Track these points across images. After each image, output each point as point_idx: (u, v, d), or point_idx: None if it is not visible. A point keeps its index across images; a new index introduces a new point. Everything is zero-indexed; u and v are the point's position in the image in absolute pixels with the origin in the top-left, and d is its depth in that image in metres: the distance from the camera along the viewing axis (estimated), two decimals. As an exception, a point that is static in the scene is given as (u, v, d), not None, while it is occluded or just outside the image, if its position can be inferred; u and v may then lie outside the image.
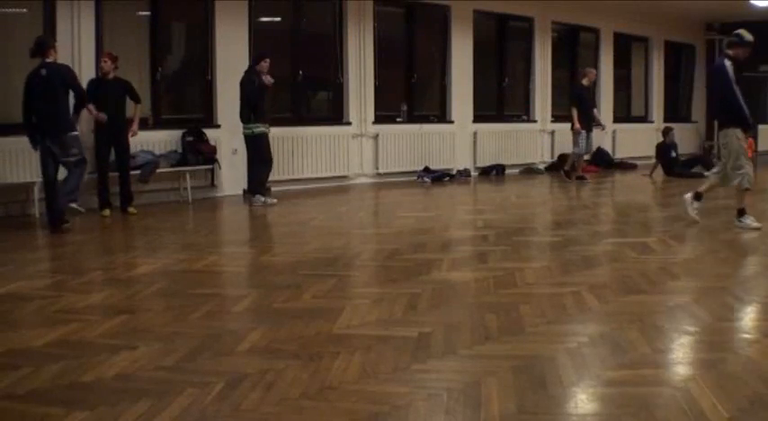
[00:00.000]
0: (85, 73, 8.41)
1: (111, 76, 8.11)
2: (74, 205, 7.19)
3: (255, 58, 9.20)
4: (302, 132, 10.60)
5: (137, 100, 8.33)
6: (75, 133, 7.08)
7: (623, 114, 16.07)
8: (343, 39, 11.25)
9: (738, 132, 6.70)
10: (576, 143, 11.62)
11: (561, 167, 12.38)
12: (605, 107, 14.89)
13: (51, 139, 6.90)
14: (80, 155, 7.06)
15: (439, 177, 11.91)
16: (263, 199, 8.99)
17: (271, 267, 5.55)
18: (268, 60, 9.00)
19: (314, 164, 10.81)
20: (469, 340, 3.63)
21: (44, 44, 6.97)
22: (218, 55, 9.82)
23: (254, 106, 8.88)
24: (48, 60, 6.88)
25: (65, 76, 6.99)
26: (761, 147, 15.34)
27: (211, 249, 6.39)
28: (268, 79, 8.90)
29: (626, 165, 14.53)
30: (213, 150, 9.49)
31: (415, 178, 11.91)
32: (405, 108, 12.19)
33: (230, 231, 7.83)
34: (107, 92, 8.07)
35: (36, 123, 6.91)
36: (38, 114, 6.88)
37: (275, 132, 9.54)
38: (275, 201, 9.02)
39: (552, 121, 14.13)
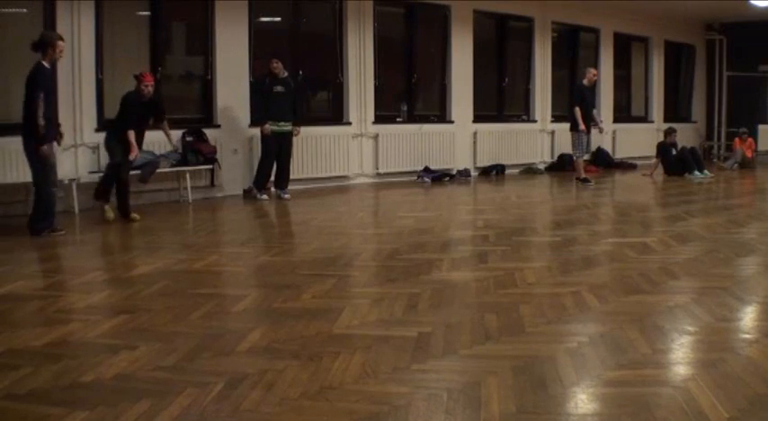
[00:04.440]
0: (85, 73, 8.41)
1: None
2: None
3: None
4: (302, 132, 10.59)
5: (162, 117, 7.97)
6: (44, 147, 6.53)
7: (623, 114, 16.06)
8: (343, 39, 11.24)
9: None
10: (577, 145, 11.21)
11: (562, 169, 12.29)
12: (605, 107, 14.89)
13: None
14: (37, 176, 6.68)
15: (439, 177, 11.91)
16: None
17: (271, 267, 5.55)
18: (272, 62, 9.38)
19: (314, 164, 10.81)
20: (469, 340, 3.63)
21: (41, 42, 6.62)
22: (218, 55, 9.82)
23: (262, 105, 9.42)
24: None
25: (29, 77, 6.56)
26: (761, 147, 15.36)
27: (211, 249, 6.38)
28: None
29: (626, 165, 14.54)
30: (213, 150, 9.49)
31: (415, 178, 11.91)
32: (405, 108, 12.19)
33: (230, 231, 7.81)
34: (147, 113, 7.74)
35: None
36: None
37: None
38: (265, 197, 9.47)
39: (552, 121, 14.13)
